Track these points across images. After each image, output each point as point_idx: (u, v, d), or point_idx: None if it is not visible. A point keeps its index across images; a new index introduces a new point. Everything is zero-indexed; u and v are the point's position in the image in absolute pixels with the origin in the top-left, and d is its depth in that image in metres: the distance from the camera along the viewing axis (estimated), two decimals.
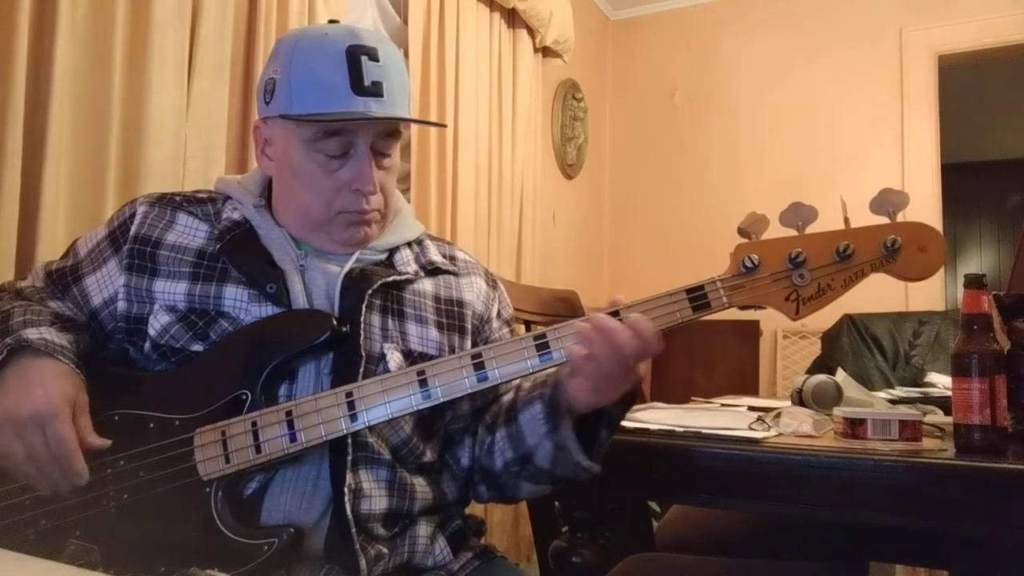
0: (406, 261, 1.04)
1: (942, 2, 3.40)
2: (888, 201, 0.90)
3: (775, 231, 0.92)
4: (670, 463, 1.04)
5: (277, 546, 0.84)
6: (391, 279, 0.99)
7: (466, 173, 2.69)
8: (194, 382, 0.92)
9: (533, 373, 0.92)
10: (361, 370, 0.91)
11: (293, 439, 0.87)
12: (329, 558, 0.88)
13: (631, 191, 4.01)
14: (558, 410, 0.92)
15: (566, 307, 1.81)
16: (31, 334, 0.87)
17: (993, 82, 4.55)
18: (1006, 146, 5.38)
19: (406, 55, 2.45)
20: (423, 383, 0.89)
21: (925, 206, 3.26)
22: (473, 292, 1.08)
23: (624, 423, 1.14)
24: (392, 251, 1.05)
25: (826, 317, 0.93)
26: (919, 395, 1.54)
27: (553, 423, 0.92)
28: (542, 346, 0.90)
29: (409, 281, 1.02)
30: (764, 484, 0.98)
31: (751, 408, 1.40)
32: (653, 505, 2.01)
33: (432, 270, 1.06)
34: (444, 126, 2.55)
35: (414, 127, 2.41)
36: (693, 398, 1.71)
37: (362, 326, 0.93)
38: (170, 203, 1.01)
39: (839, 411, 1.07)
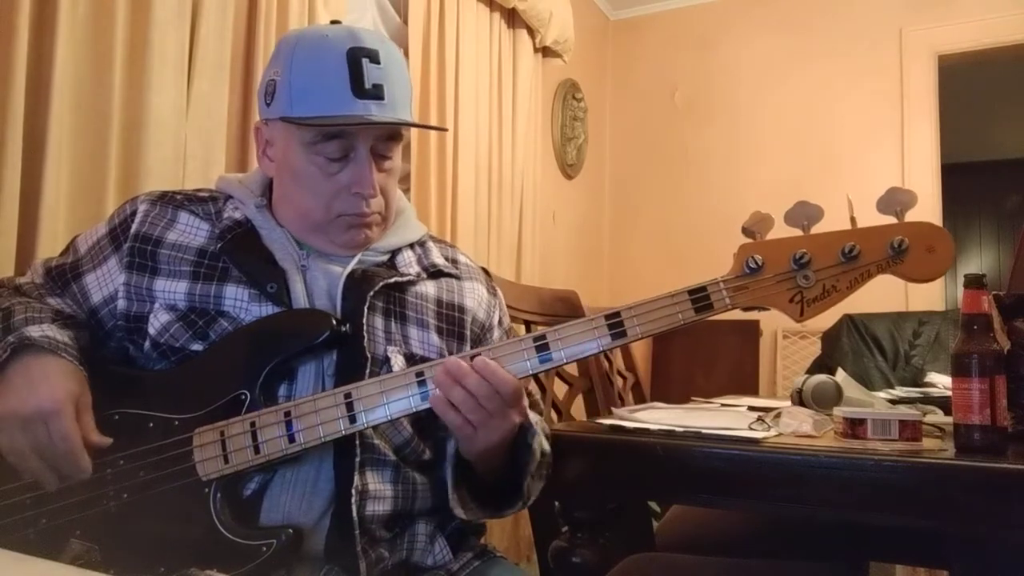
0: (408, 263, 1.04)
1: (942, 2, 3.40)
2: (896, 200, 0.89)
3: (780, 230, 0.91)
4: (670, 463, 1.03)
5: (276, 547, 0.84)
6: (393, 280, 0.99)
7: (466, 173, 2.68)
8: (193, 382, 0.92)
9: (534, 374, 0.92)
10: (367, 372, 0.91)
11: (292, 440, 0.87)
12: (329, 558, 0.88)
13: (631, 191, 4.01)
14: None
15: (566, 307, 1.81)
16: (33, 331, 0.87)
17: (993, 82, 4.55)
18: (1006, 146, 5.38)
19: (406, 55, 2.44)
20: (422, 384, 0.89)
21: (925, 206, 3.26)
22: (474, 299, 1.08)
23: (624, 423, 1.15)
24: (394, 252, 1.04)
25: (826, 317, 0.93)
26: (919, 395, 1.53)
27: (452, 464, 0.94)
28: (542, 347, 0.90)
29: (411, 283, 1.02)
30: (764, 484, 0.98)
31: (751, 408, 1.40)
32: (653, 505, 2.01)
33: (434, 272, 1.05)
34: (445, 130, 2.55)
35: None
36: (693, 398, 1.71)
37: (365, 328, 0.93)
38: (171, 201, 1.01)
39: (839, 411, 1.06)
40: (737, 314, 0.98)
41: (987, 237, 5.72)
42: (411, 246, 1.07)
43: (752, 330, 3.51)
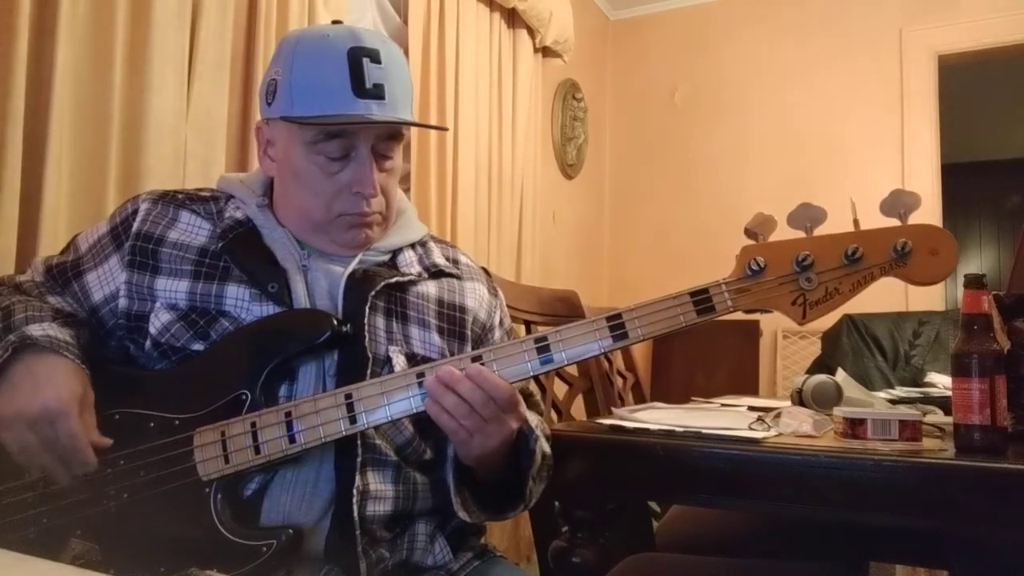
0: (409, 263, 1.04)
1: (942, 2, 3.40)
2: (899, 202, 0.89)
3: (783, 232, 0.91)
4: (670, 463, 1.03)
5: (276, 547, 0.84)
6: (394, 280, 0.99)
7: (466, 173, 2.68)
8: (194, 382, 0.92)
9: (534, 376, 0.92)
10: (368, 373, 0.91)
11: (292, 440, 0.87)
12: (329, 559, 0.88)
13: (631, 191, 4.01)
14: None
15: (566, 307, 1.81)
16: (35, 330, 0.87)
17: (993, 82, 4.55)
18: (1006, 146, 5.38)
19: (406, 55, 2.43)
20: (422, 384, 0.89)
21: (925, 206, 3.19)
22: (475, 299, 1.08)
23: (624, 423, 1.15)
24: (395, 252, 1.04)
25: (826, 317, 0.93)
26: (919, 395, 1.53)
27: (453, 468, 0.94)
28: (543, 349, 0.89)
29: (412, 283, 1.02)
30: (764, 484, 0.98)
31: (751, 408, 1.40)
32: (653, 505, 2.01)
33: (436, 272, 1.05)
34: (446, 129, 2.55)
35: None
36: (693, 398, 1.71)
37: (366, 328, 0.93)
38: (173, 201, 1.01)
39: (839, 411, 1.06)
40: (737, 314, 0.98)
41: (987, 237, 5.73)
42: (412, 246, 1.07)
43: (752, 330, 3.52)
